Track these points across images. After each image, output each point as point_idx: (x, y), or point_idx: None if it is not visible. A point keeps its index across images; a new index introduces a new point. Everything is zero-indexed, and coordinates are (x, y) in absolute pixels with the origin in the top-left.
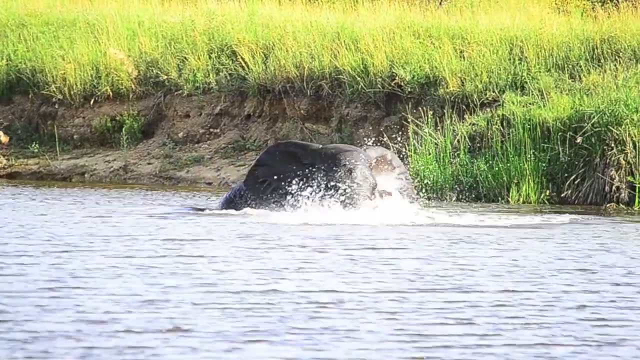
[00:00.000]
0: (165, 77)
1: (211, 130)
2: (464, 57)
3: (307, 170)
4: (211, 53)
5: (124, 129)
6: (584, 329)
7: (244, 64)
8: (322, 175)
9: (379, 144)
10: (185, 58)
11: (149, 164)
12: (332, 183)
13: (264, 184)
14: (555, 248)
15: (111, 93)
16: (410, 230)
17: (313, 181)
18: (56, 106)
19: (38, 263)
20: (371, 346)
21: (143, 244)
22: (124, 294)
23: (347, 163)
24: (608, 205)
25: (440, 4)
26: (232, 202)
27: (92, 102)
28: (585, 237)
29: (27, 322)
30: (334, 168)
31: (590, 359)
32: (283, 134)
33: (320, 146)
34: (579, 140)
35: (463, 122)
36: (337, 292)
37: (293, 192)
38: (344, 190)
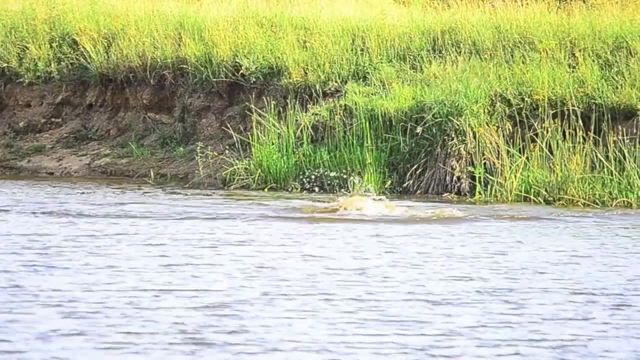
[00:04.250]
0: (6, 65)
1: (53, 119)
2: (307, 48)
3: None
4: (52, 42)
5: None
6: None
7: (85, 53)
8: None
9: (222, 134)
10: (25, 47)
11: None
12: None
13: None
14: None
15: None
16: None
17: None
18: None
19: None
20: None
21: None
22: None
23: None
24: (445, 194)
25: None
26: None
27: None
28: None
29: None
30: None
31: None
32: (125, 123)
33: None
34: (419, 130)
35: (306, 112)
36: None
37: None
38: None
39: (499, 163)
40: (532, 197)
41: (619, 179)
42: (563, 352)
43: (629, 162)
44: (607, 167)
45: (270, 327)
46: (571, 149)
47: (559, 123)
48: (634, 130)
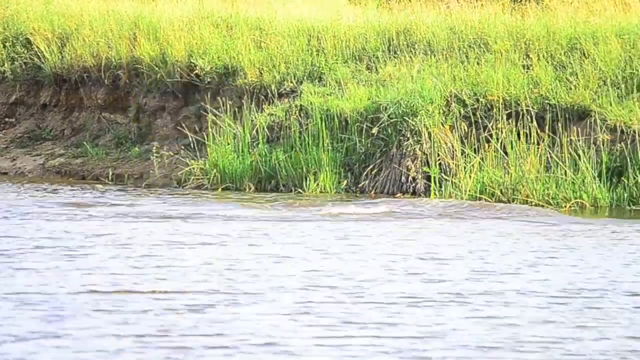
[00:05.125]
0: None
1: (6, 119)
2: (262, 48)
3: None
4: (6, 42)
5: None
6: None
7: (39, 53)
8: None
9: (177, 134)
10: None
11: None
12: None
13: None
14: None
15: None
16: None
17: None
18: None
19: None
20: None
21: None
22: None
23: None
24: (399, 194)
25: None
26: None
27: None
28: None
29: None
30: None
31: None
32: (80, 123)
33: None
34: (374, 131)
35: (261, 113)
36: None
37: None
38: None
39: (453, 163)
40: (486, 197)
41: (573, 180)
42: (540, 355)
43: (583, 162)
44: (561, 167)
45: (245, 327)
46: (525, 150)
47: (514, 123)
48: (587, 131)
